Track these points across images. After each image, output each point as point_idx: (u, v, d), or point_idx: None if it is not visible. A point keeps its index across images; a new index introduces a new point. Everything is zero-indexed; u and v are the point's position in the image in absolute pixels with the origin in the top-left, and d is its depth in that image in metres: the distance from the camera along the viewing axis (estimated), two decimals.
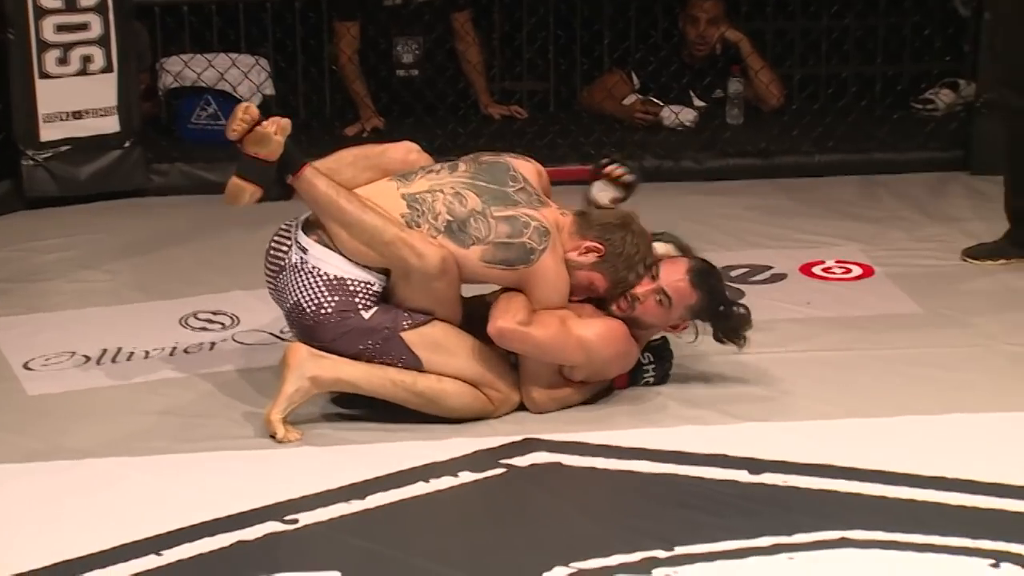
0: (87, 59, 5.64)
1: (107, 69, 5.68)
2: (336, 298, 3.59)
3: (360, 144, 4.00)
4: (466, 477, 3.36)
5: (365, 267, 3.61)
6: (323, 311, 3.59)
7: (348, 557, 3.04)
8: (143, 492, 3.33)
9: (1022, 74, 4.60)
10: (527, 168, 3.84)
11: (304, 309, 3.61)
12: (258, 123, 3.60)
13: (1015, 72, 4.62)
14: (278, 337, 4.22)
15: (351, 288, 3.60)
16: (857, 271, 4.84)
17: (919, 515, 3.15)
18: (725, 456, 3.43)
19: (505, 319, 3.60)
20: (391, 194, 3.68)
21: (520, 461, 3.44)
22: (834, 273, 4.83)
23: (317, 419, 3.68)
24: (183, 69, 6.21)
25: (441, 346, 3.63)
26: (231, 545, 3.07)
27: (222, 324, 4.40)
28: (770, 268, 4.86)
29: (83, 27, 5.62)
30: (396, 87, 6.46)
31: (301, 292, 3.62)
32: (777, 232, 5.25)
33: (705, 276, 3.77)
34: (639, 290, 3.72)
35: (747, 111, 6.50)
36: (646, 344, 3.87)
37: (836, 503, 3.22)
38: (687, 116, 6.37)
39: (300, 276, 3.63)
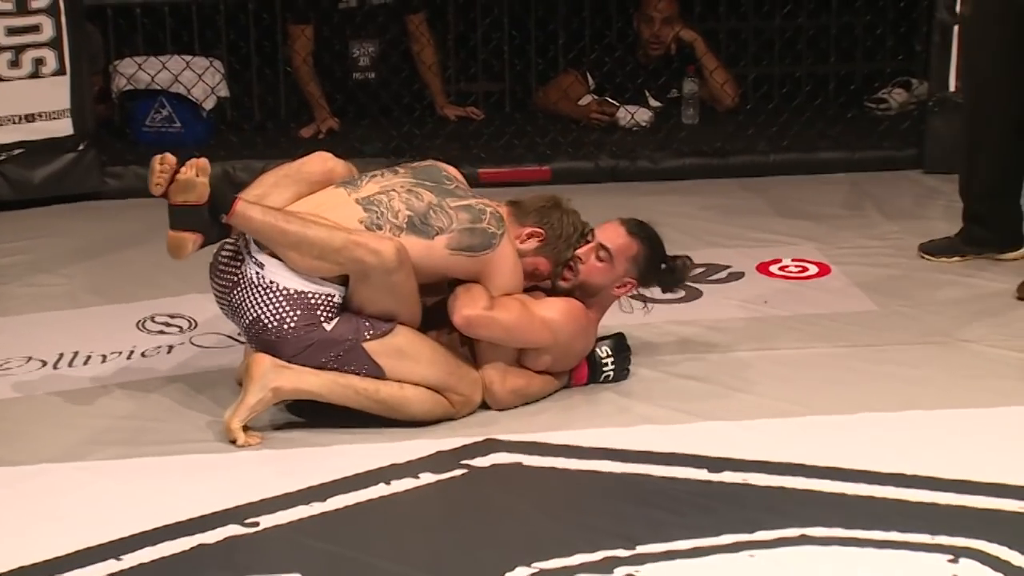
0: (39, 62, 5.61)
1: (59, 72, 5.65)
2: (299, 312, 3.57)
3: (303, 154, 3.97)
4: (427, 478, 3.36)
5: (322, 278, 3.59)
6: (286, 326, 3.57)
7: (309, 560, 3.03)
8: (102, 497, 3.31)
9: (989, 102, 4.64)
10: (451, 169, 3.90)
11: (266, 325, 3.58)
12: (177, 170, 3.56)
13: (982, 100, 4.66)
14: (236, 340, 4.20)
15: (312, 302, 3.58)
16: (814, 269, 4.86)
17: (878, 512, 3.16)
18: (685, 455, 3.44)
19: (470, 307, 3.61)
20: (344, 201, 3.67)
21: (481, 462, 3.44)
22: (791, 272, 4.86)
23: (277, 422, 3.67)
24: (137, 71, 6.18)
25: (404, 353, 3.62)
26: (191, 549, 3.05)
27: (179, 327, 4.38)
28: (727, 267, 4.88)
29: (34, 29, 5.59)
30: (352, 89, 6.46)
31: (261, 308, 3.58)
32: (734, 231, 5.27)
33: (641, 226, 3.87)
34: (580, 252, 3.79)
35: (702, 111, 6.52)
36: (603, 339, 3.89)
37: (796, 500, 3.23)
38: (643, 116, 6.39)
39: (258, 292, 3.59)
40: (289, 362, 3.58)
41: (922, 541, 3.03)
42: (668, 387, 3.89)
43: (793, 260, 4.95)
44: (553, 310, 3.74)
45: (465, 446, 3.50)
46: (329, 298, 3.59)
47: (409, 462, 3.42)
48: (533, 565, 2.96)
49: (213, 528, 3.12)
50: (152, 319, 4.44)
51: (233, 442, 3.55)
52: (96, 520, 3.17)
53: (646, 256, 3.83)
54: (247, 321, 3.61)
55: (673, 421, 3.67)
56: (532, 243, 3.77)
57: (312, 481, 3.32)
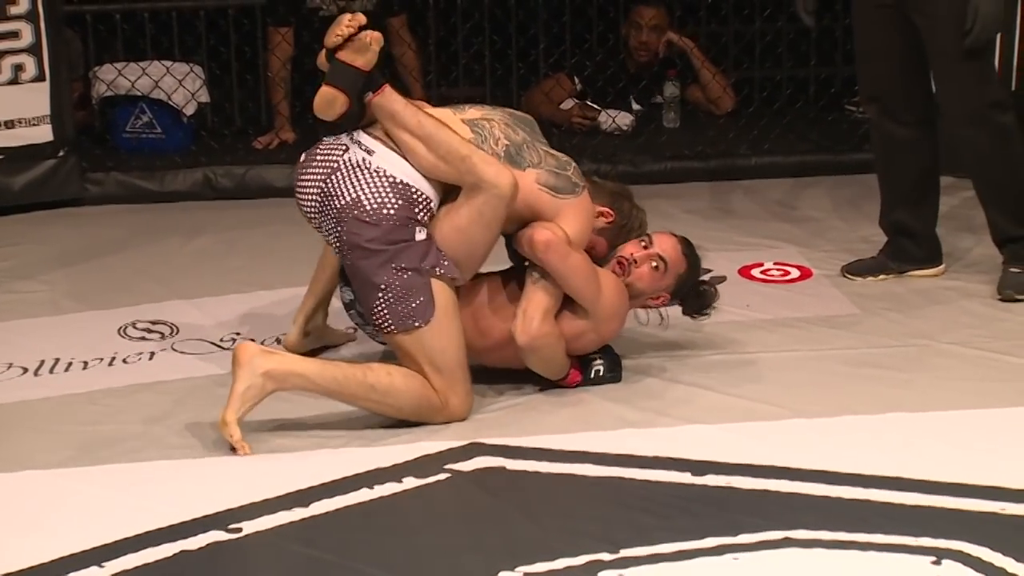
0: (18, 68, 5.61)
1: (39, 78, 5.64)
2: (400, 202, 3.59)
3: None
4: (410, 483, 3.35)
5: (428, 180, 3.62)
6: (386, 210, 3.58)
7: (292, 565, 3.03)
8: (83, 504, 3.30)
9: (893, 107, 4.62)
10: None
11: (365, 206, 3.58)
12: (357, 33, 3.63)
13: (887, 107, 4.64)
14: (218, 346, 4.20)
15: (414, 196, 3.61)
16: (795, 273, 4.87)
17: (861, 514, 3.16)
18: (668, 458, 3.43)
19: (552, 232, 3.67)
20: (453, 119, 3.73)
21: (464, 466, 3.43)
22: (773, 275, 4.86)
23: (260, 427, 3.66)
24: (116, 77, 6.18)
25: (449, 315, 3.63)
26: (174, 555, 3.04)
27: (161, 334, 4.37)
28: (709, 271, 4.84)
29: (13, 35, 5.59)
30: None
31: (363, 189, 3.60)
32: (715, 235, 5.27)
33: (691, 248, 3.97)
34: (637, 254, 3.86)
35: (684, 115, 6.53)
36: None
37: (779, 503, 3.23)
38: (624, 120, 6.40)
39: (363, 174, 3.61)
40: (371, 252, 3.58)
41: (905, 543, 3.04)
42: (650, 390, 3.89)
43: (775, 263, 4.96)
44: (608, 278, 3.82)
45: (449, 450, 3.50)
46: (428, 200, 3.63)
47: (393, 466, 3.42)
48: (517, 569, 2.96)
49: (196, 534, 3.11)
50: (134, 325, 4.43)
51: (229, 439, 3.50)
52: (78, 527, 3.16)
53: (689, 278, 3.94)
54: (344, 202, 3.60)
55: (656, 424, 3.68)
56: (600, 222, 3.87)
57: (295, 486, 3.31)
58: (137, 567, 3.00)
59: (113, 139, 6.24)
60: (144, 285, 4.80)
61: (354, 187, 3.61)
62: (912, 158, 4.68)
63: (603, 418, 3.72)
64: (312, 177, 3.68)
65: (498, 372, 3.94)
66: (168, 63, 6.21)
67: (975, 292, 4.59)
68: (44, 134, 5.69)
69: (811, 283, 4.79)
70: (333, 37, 3.65)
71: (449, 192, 3.67)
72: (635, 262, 3.86)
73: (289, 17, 6.34)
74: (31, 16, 5.58)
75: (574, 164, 3.84)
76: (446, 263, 3.63)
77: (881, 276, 4.77)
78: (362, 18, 3.65)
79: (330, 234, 3.67)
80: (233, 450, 3.51)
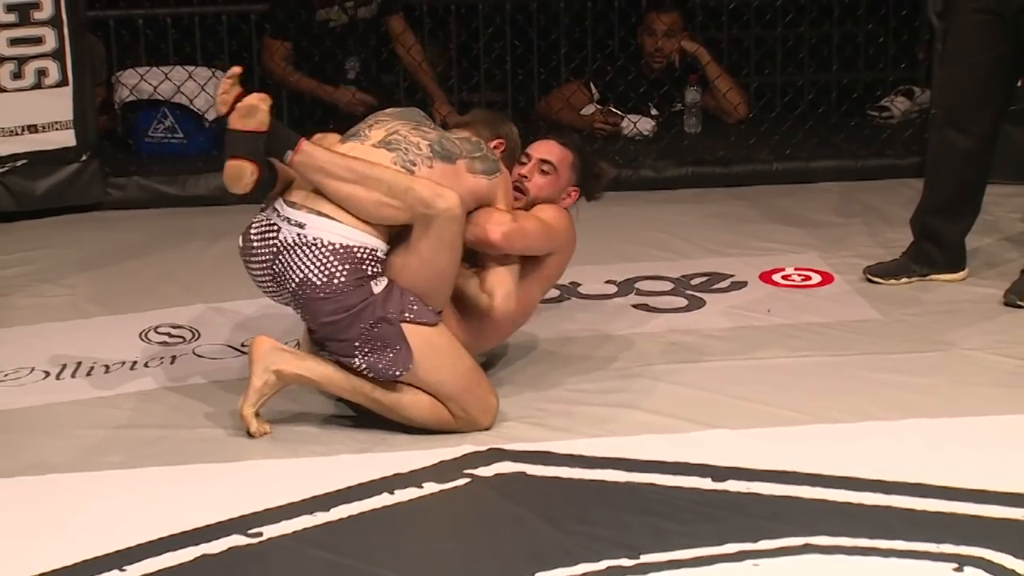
0: (42, 73, 5.62)
1: (62, 83, 5.66)
2: (346, 266, 3.52)
3: None
4: (430, 488, 3.35)
5: (367, 231, 3.55)
6: (335, 280, 3.52)
7: (312, 570, 3.03)
8: (105, 507, 3.31)
9: (961, 115, 4.62)
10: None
11: (315, 283, 3.52)
12: (239, 98, 3.55)
13: (955, 114, 4.64)
14: (239, 351, 4.21)
15: (358, 255, 3.54)
16: (817, 278, 4.86)
17: (883, 520, 3.16)
18: (689, 464, 3.43)
19: (502, 224, 3.72)
20: (365, 150, 3.64)
21: (484, 471, 3.43)
22: (794, 280, 4.85)
23: (280, 432, 3.66)
24: (139, 82, 6.18)
25: (435, 350, 3.59)
26: (195, 559, 3.05)
27: (182, 338, 4.38)
28: (730, 276, 4.87)
29: (37, 40, 5.60)
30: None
31: (308, 266, 3.53)
32: (737, 240, 5.27)
33: (567, 135, 4.11)
34: (523, 171, 3.94)
35: (705, 120, 6.52)
36: None
37: (800, 509, 3.23)
38: (645, 126, 6.39)
39: (303, 251, 3.54)
40: (332, 325, 3.55)
41: (926, 550, 3.03)
42: (671, 396, 3.89)
43: (796, 269, 4.95)
44: (546, 214, 3.90)
45: (469, 455, 3.50)
46: (373, 252, 3.56)
47: (412, 471, 3.42)
48: (536, 575, 2.96)
49: (216, 538, 3.12)
50: (155, 329, 4.44)
51: (247, 431, 3.58)
52: (99, 530, 3.17)
53: (583, 164, 4.01)
54: (294, 284, 3.55)
55: (676, 430, 3.67)
56: (497, 153, 3.87)
57: (315, 491, 3.32)
58: (158, 571, 3.01)
59: (135, 144, 6.25)
60: (166, 289, 4.81)
61: (299, 267, 3.54)
62: (964, 169, 4.67)
63: (624, 424, 3.72)
64: (259, 265, 3.62)
65: (520, 378, 3.94)
66: (190, 68, 6.22)
67: (997, 298, 4.57)
68: (67, 139, 5.70)
69: (832, 288, 4.78)
70: (219, 103, 3.57)
71: (399, 230, 3.61)
72: (527, 178, 3.92)
73: (289, 29, 6.34)
74: (55, 21, 5.60)
75: (475, 137, 3.84)
76: (415, 307, 3.57)
77: (904, 279, 4.76)
78: (237, 69, 3.59)
79: (296, 311, 3.68)
80: (250, 435, 3.61)
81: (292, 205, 3.58)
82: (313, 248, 3.53)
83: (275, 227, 3.59)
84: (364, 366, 3.57)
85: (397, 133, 3.69)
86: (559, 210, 3.93)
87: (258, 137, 3.54)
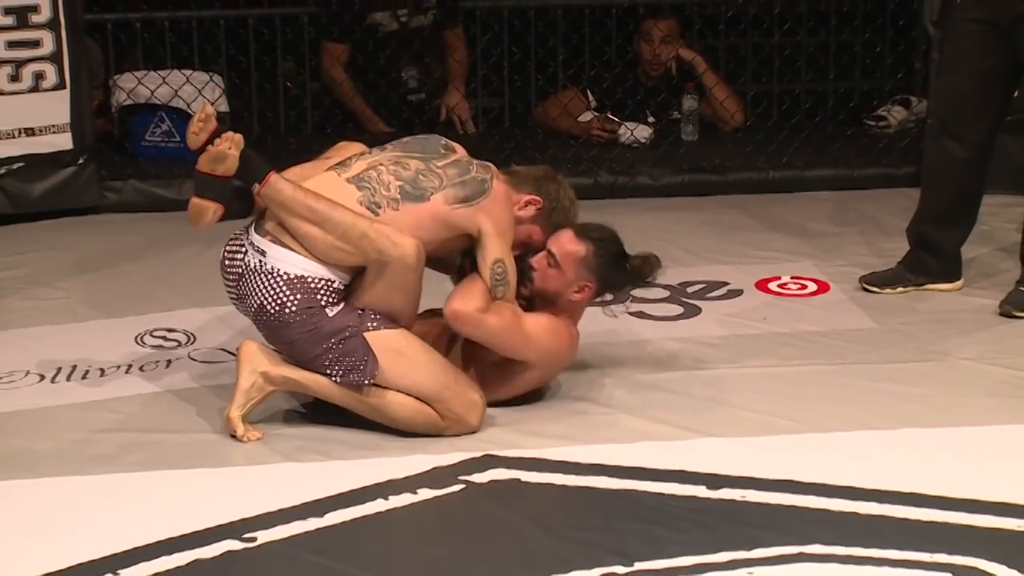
0: (39, 76, 5.62)
1: (60, 86, 5.65)
2: (298, 296, 3.58)
3: None
4: (425, 494, 3.35)
5: (326, 265, 3.59)
6: (287, 310, 3.59)
7: (306, 575, 3.03)
8: (99, 511, 3.31)
9: (957, 125, 4.62)
10: (454, 144, 3.88)
11: (268, 310, 3.61)
12: (211, 141, 3.59)
13: (951, 123, 4.64)
14: (233, 355, 4.19)
15: (312, 285, 3.59)
16: (813, 287, 4.87)
17: (877, 529, 3.16)
18: (683, 471, 3.44)
19: (463, 302, 3.65)
20: (336, 183, 3.68)
21: (479, 477, 3.43)
22: (790, 289, 4.86)
23: (275, 436, 3.66)
24: (136, 86, 6.18)
25: (402, 354, 3.63)
26: (188, 564, 3.05)
27: (177, 342, 4.38)
28: (726, 284, 4.88)
29: (35, 44, 5.60)
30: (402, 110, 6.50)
31: (263, 294, 3.61)
32: (733, 248, 5.27)
33: (594, 229, 3.84)
34: (533, 260, 3.80)
35: (702, 128, 6.52)
36: None
37: (794, 518, 3.23)
38: (642, 133, 6.39)
39: (261, 279, 3.62)
40: (292, 348, 3.61)
41: (921, 559, 3.03)
42: (666, 403, 3.89)
43: (792, 277, 4.95)
44: (540, 326, 3.75)
45: (463, 462, 3.50)
46: (329, 283, 3.60)
47: (407, 477, 3.42)
48: None
49: (210, 543, 3.12)
50: (150, 333, 4.43)
51: (233, 435, 3.60)
52: (94, 534, 3.17)
53: (598, 259, 3.80)
54: (253, 308, 3.65)
55: (671, 437, 3.67)
56: (530, 211, 3.79)
57: (309, 496, 3.32)
58: (152, 575, 3.00)
59: (132, 147, 6.24)
60: (161, 293, 4.81)
61: (256, 293, 3.62)
62: (960, 178, 4.67)
63: (618, 430, 3.72)
64: (230, 283, 3.71)
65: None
66: (188, 72, 6.21)
67: (992, 308, 4.58)
68: (64, 142, 5.70)
69: (828, 297, 4.78)
70: (190, 140, 3.61)
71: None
72: (534, 268, 3.79)
73: (345, 35, 6.38)
74: (52, 24, 5.60)
75: (476, 161, 3.77)
76: (376, 318, 3.62)
77: (900, 288, 4.76)
78: (210, 110, 3.63)
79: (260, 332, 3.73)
80: (234, 437, 3.62)
81: (260, 231, 3.66)
82: (269, 277, 3.61)
83: (243, 249, 3.68)
84: (337, 376, 3.62)
85: (374, 169, 3.70)
86: (562, 326, 3.80)
87: (226, 182, 3.63)
